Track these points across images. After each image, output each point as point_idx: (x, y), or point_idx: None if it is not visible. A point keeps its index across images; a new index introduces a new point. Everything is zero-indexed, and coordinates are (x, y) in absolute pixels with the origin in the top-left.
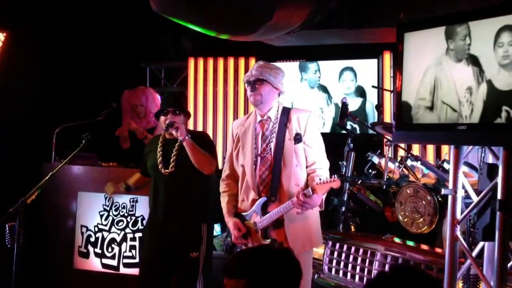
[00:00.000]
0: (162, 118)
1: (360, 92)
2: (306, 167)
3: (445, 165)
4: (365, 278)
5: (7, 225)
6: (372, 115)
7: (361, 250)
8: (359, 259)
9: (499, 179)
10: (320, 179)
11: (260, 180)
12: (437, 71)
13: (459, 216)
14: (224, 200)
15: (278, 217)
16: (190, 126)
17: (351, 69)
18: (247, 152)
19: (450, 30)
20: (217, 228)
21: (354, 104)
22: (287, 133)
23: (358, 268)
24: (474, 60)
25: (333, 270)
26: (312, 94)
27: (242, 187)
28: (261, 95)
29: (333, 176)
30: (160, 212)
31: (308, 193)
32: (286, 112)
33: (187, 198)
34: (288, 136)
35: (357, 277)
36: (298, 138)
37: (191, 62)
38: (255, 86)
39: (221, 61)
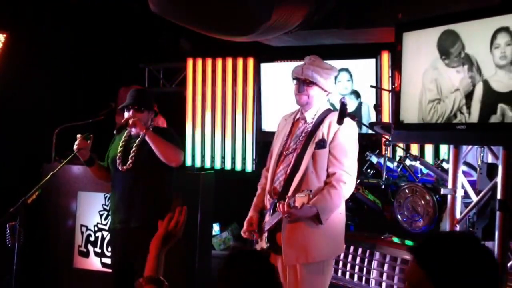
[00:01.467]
0: (126, 114)
1: (356, 93)
2: (327, 177)
3: (444, 165)
4: (363, 278)
5: (7, 225)
6: (367, 116)
7: (360, 250)
8: (358, 259)
9: (499, 179)
10: (305, 191)
11: (275, 179)
12: (435, 74)
13: (458, 215)
14: (256, 193)
15: (276, 221)
16: (189, 126)
17: (346, 70)
18: (275, 148)
19: (444, 44)
20: (216, 228)
21: (351, 105)
22: (314, 136)
23: (357, 267)
24: (469, 64)
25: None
26: None
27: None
28: (308, 97)
29: (309, 190)
30: (117, 214)
31: (292, 203)
32: (324, 115)
33: (144, 197)
34: (312, 139)
35: (355, 276)
36: (321, 144)
37: (190, 62)
38: (304, 87)
39: (219, 62)
